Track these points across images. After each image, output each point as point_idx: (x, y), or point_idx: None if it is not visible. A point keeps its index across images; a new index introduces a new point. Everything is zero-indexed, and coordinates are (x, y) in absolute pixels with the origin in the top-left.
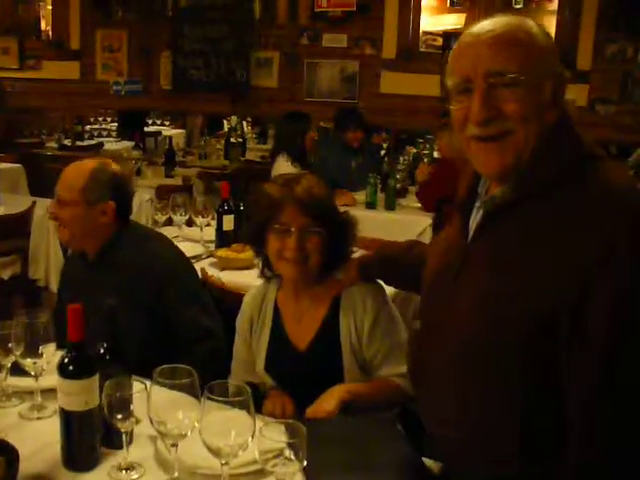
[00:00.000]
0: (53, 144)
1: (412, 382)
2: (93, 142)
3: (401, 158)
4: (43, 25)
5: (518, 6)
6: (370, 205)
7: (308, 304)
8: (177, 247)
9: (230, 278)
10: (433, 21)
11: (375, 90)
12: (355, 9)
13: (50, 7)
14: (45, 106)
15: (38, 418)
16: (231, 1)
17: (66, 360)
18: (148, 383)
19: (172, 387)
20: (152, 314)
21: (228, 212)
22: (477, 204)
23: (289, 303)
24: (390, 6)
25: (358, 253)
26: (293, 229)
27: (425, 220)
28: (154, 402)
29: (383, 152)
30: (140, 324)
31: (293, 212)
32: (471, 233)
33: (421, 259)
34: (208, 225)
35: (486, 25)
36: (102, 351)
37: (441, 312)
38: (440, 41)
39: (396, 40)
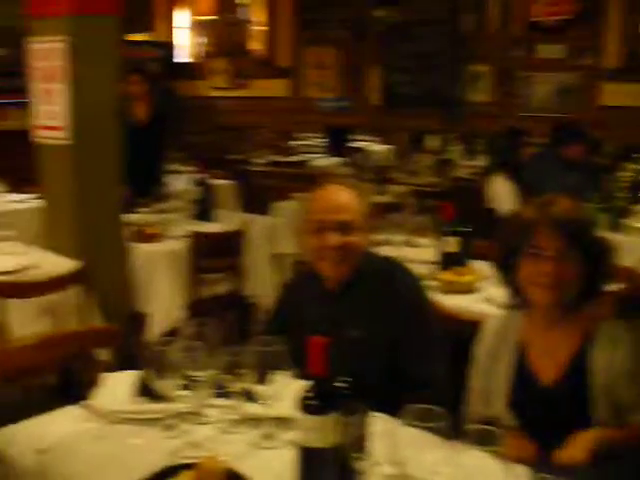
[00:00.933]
0: (261, 160)
1: None
2: (301, 158)
3: (620, 175)
4: (253, 45)
5: None
6: None
7: (557, 337)
8: (415, 274)
9: (452, 302)
10: None
11: (595, 103)
12: (573, 16)
13: (260, 28)
14: (254, 123)
15: (268, 448)
16: (441, 15)
17: (307, 395)
18: (388, 420)
19: (423, 429)
20: (394, 346)
21: (452, 233)
22: None
23: (536, 334)
24: (613, 12)
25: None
26: (548, 253)
27: None
28: (396, 442)
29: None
30: (382, 358)
31: (549, 235)
32: None
33: None
34: (427, 246)
35: None
36: (343, 386)
37: None
38: None
39: (619, 48)
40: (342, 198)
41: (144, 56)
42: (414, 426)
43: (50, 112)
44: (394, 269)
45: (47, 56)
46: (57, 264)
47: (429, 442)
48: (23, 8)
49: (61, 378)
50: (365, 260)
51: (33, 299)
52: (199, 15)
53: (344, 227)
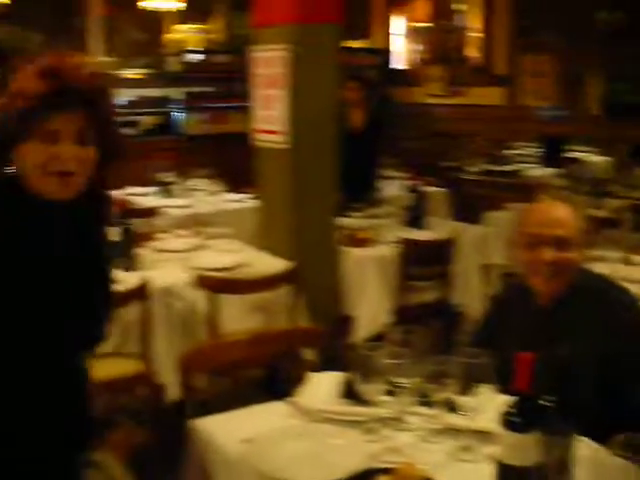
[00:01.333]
0: (475, 169)
1: None
2: (515, 167)
3: None
4: (469, 53)
5: None
6: None
7: None
8: (633, 294)
9: None
10: None
11: None
12: None
13: (477, 35)
14: (468, 131)
15: (467, 460)
16: None
17: (510, 411)
18: (594, 446)
19: (631, 461)
20: (606, 367)
21: None
22: None
23: None
24: None
25: None
26: None
27: None
28: (601, 471)
29: None
30: (591, 378)
31: None
32: None
33: None
34: None
35: None
36: (548, 405)
37: None
38: None
39: None
40: (559, 212)
41: (361, 63)
42: (622, 457)
43: (270, 117)
44: (609, 287)
45: (269, 63)
46: (270, 263)
47: (638, 476)
48: (250, 18)
49: (268, 374)
50: (579, 277)
51: (245, 296)
52: (415, 22)
53: (560, 242)
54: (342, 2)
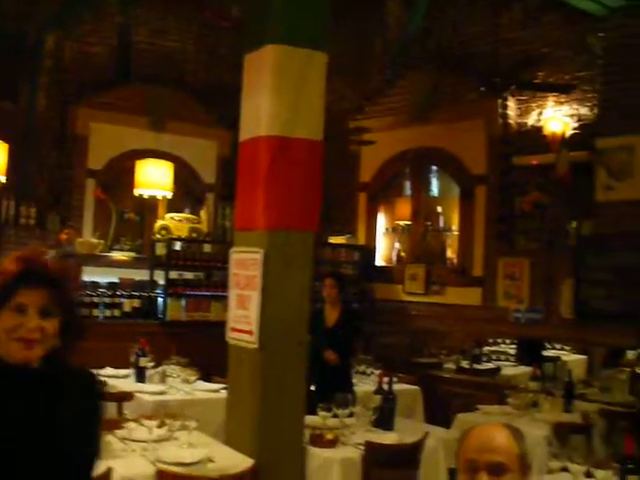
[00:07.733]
0: (451, 365)
1: None
2: (491, 366)
3: None
4: (448, 253)
5: None
6: None
7: None
8: None
9: None
10: None
11: None
12: None
13: (455, 235)
14: (446, 328)
15: None
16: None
17: None
18: None
19: None
20: None
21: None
22: None
23: None
24: None
25: None
26: None
27: None
28: None
29: None
30: None
31: None
32: None
33: None
34: None
35: None
36: None
37: None
38: None
39: None
40: (496, 438)
41: (342, 259)
42: None
43: (243, 316)
44: None
45: (245, 265)
46: (233, 460)
47: None
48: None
49: None
50: None
51: None
52: (397, 220)
53: (495, 468)
54: (318, 213)
